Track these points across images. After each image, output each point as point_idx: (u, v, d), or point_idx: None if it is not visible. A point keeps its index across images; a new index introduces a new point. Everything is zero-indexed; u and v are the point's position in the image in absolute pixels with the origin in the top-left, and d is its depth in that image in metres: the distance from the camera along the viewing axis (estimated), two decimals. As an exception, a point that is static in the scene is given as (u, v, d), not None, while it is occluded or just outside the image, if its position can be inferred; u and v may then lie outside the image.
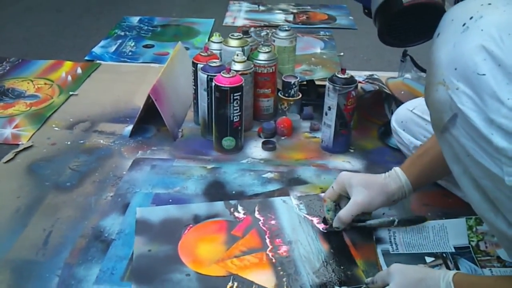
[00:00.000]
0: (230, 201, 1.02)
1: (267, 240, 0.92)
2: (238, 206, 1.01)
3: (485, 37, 0.56)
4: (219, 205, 1.01)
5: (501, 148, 0.56)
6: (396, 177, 0.90)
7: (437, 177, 0.98)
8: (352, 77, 1.14)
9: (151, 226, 0.95)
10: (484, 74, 0.56)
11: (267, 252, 0.90)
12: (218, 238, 0.93)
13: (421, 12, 0.98)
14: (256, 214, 0.99)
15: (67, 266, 0.85)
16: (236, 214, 0.99)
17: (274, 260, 0.88)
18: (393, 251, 0.89)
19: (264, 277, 0.85)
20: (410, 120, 1.08)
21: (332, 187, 0.94)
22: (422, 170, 0.90)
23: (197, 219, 0.97)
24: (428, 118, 1.01)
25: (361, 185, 0.90)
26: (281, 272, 0.86)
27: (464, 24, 0.59)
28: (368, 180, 0.91)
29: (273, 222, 0.97)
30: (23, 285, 0.81)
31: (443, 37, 0.61)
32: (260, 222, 0.97)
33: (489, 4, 0.59)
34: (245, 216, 0.98)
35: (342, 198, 0.94)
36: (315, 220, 0.97)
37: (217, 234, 0.94)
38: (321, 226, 0.95)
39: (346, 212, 0.90)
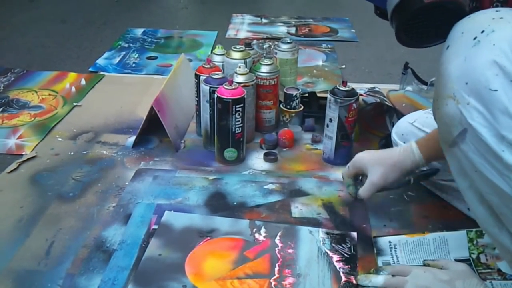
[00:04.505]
0: (256, 222, 1.00)
1: (276, 268, 0.88)
2: (262, 228, 0.98)
3: (497, 52, 0.56)
4: (243, 223, 0.99)
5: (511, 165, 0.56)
6: (411, 152, 0.93)
7: None
8: (353, 89, 1.15)
9: (171, 231, 0.97)
10: (496, 90, 0.55)
11: (271, 280, 0.86)
12: (229, 255, 0.91)
13: (441, 10, 0.97)
14: (277, 240, 0.95)
15: (69, 276, 0.86)
16: (256, 235, 0.96)
17: (275, 291, 0.86)
18: (393, 262, 0.89)
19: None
20: (410, 133, 1.08)
21: (348, 167, 1.00)
22: (438, 147, 0.89)
23: (216, 233, 0.97)
24: (429, 131, 1.03)
25: (376, 163, 0.95)
26: None
27: (475, 38, 0.58)
28: (382, 157, 0.96)
29: (290, 250, 0.92)
30: (25, 295, 0.82)
31: (453, 50, 0.61)
32: (277, 248, 0.93)
33: (501, 18, 0.58)
34: (264, 239, 0.95)
35: (359, 174, 1.01)
36: (336, 257, 0.91)
37: (229, 251, 0.92)
38: (339, 265, 0.89)
39: (365, 192, 0.96)
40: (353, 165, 0.99)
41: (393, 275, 0.80)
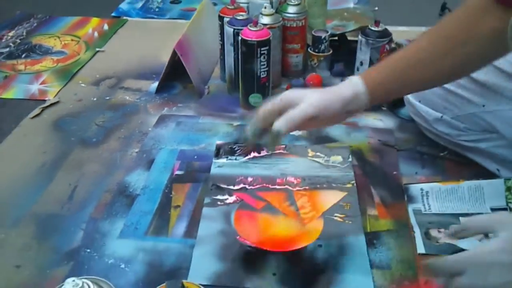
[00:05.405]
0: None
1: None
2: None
3: None
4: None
5: None
6: (350, 83, 0.75)
7: (402, 90, 0.83)
8: (386, 29, 1.09)
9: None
10: None
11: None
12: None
13: None
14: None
15: (92, 220, 0.85)
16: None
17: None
18: (425, 211, 0.85)
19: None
20: (427, 90, 0.94)
21: (274, 102, 0.73)
22: (386, 77, 0.75)
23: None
24: (448, 86, 0.92)
25: (311, 91, 0.75)
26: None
27: None
28: (322, 89, 0.77)
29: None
30: (48, 238, 0.82)
31: None
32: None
33: None
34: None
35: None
36: None
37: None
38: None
39: (300, 112, 0.70)
40: (286, 96, 0.73)
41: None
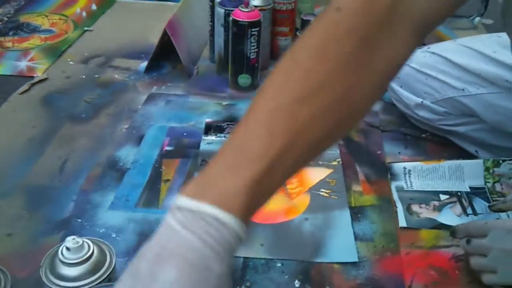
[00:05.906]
0: None
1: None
2: None
3: None
4: None
5: None
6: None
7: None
8: (373, 14, 1.11)
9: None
10: None
11: None
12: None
13: None
14: None
15: (82, 192, 0.86)
16: None
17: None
18: (407, 188, 0.88)
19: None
20: (408, 76, 0.96)
21: None
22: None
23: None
24: (429, 72, 0.95)
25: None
26: None
27: None
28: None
29: None
30: (38, 208, 0.83)
31: None
32: None
33: None
34: None
35: None
36: None
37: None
38: None
39: None
40: None
41: (467, 240, 0.67)
